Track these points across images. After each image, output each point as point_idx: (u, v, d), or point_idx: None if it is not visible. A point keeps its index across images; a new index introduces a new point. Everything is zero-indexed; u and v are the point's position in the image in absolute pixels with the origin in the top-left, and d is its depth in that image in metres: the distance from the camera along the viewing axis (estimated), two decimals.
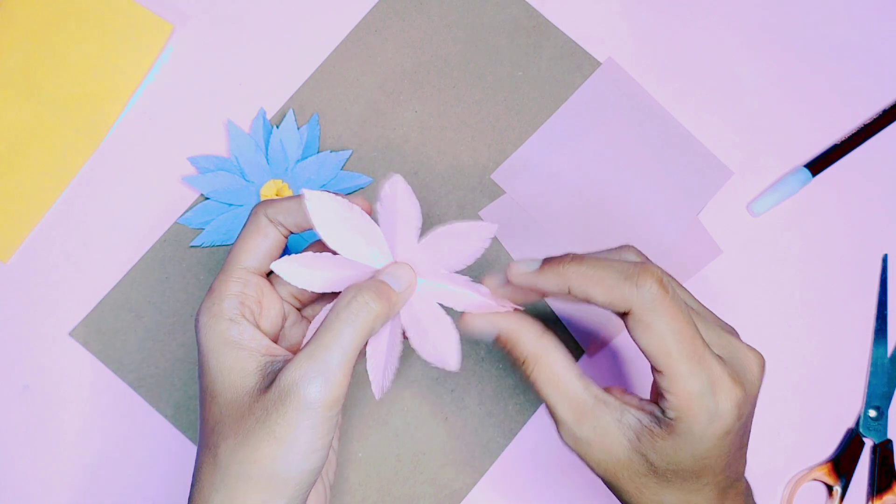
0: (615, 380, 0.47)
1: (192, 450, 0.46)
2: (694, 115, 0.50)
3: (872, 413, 0.47)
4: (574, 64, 0.50)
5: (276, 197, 0.47)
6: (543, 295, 0.35)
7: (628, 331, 0.33)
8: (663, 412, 0.33)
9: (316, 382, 0.32)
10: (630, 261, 0.34)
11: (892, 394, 0.47)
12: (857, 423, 0.47)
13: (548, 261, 0.34)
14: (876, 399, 0.47)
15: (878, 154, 0.50)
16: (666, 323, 0.32)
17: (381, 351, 0.36)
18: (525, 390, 0.47)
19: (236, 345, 0.34)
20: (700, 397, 0.32)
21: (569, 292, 0.33)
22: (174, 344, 0.47)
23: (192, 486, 0.34)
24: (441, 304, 0.36)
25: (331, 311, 0.33)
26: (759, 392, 0.34)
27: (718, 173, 0.49)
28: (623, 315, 0.33)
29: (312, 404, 0.32)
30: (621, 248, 0.36)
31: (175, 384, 0.46)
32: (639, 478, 0.34)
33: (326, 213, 0.34)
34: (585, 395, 0.34)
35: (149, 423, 0.46)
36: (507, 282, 0.35)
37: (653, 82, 0.50)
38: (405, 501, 0.45)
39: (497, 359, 0.47)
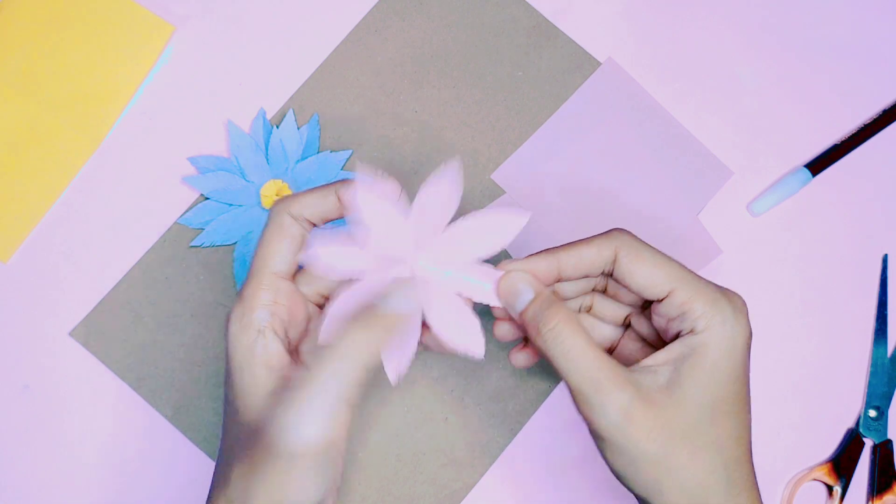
0: None
1: (192, 450, 0.46)
2: (694, 115, 0.50)
3: (872, 413, 0.47)
4: (574, 64, 0.50)
5: (276, 197, 0.47)
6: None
7: (624, 277, 0.34)
8: (691, 332, 0.33)
9: (298, 432, 0.31)
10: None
11: (892, 394, 0.47)
12: (857, 423, 0.47)
13: (535, 255, 0.36)
14: (876, 399, 0.47)
15: (878, 154, 0.50)
16: (653, 254, 0.34)
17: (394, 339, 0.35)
18: (525, 390, 0.47)
19: (259, 363, 0.34)
20: (715, 303, 0.33)
21: (559, 272, 0.35)
22: (174, 344, 0.47)
23: (209, 495, 0.34)
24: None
25: (320, 350, 0.32)
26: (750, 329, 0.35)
27: (718, 173, 0.49)
28: (611, 275, 0.35)
29: (297, 454, 0.31)
30: (611, 231, 0.36)
31: (175, 384, 0.46)
32: (678, 441, 0.33)
33: (371, 204, 0.35)
34: (616, 363, 0.34)
35: (149, 423, 0.46)
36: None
37: (653, 82, 0.50)
38: (405, 501, 0.45)
39: (497, 359, 0.47)
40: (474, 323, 0.36)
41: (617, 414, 0.32)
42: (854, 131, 0.49)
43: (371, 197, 0.35)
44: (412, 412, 0.46)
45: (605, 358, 0.33)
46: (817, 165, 0.49)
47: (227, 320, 0.35)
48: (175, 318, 0.47)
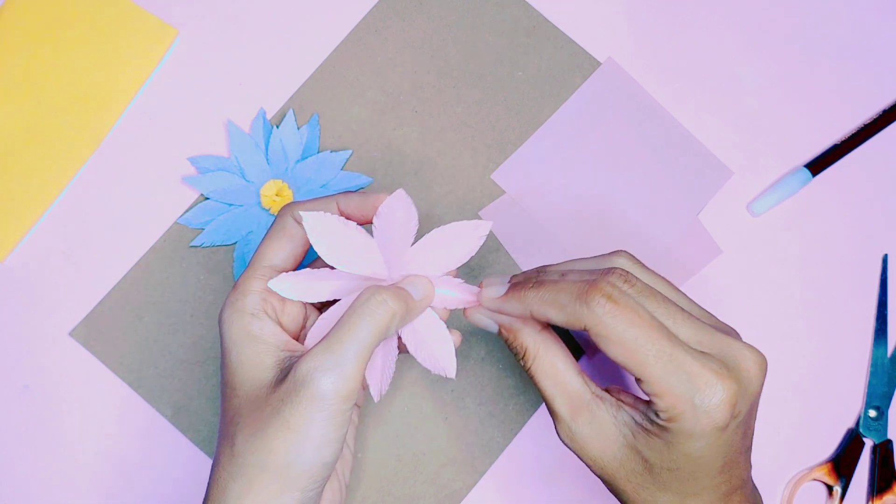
0: (615, 380, 0.47)
1: (192, 450, 0.46)
2: (694, 115, 0.50)
3: (872, 413, 0.47)
4: (574, 64, 0.50)
5: (276, 197, 0.47)
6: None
7: (599, 348, 0.33)
8: (656, 414, 0.33)
9: (330, 375, 0.32)
10: (587, 278, 0.34)
11: (892, 394, 0.47)
12: (857, 423, 0.47)
13: (513, 286, 0.36)
14: (876, 399, 0.47)
15: (878, 154, 0.50)
16: (624, 331, 0.32)
17: (376, 356, 0.36)
18: (525, 391, 0.47)
19: (257, 339, 0.35)
20: (683, 395, 0.32)
21: (531, 315, 0.34)
22: (174, 344, 0.47)
23: (211, 475, 0.35)
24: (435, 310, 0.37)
25: (349, 307, 0.34)
26: (758, 391, 0.33)
27: (718, 173, 0.49)
28: (590, 335, 0.33)
29: (326, 396, 0.32)
30: (612, 253, 0.36)
31: (175, 384, 0.46)
32: (635, 477, 0.34)
33: (323, 231, 0.35)
34: (582, 390, 0.35)
35: (149, 423, 0.46)
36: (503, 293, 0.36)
37: (653, 82, 0.50)
38: (405, 501, 0.45)
39: (497, 359, 0.47)
40: (448, 343, 0.36)
41: (568, 439, 0.35)
42: (854, 131, 0.49)
43: (333, 224, 0.35)
44: (412, 412, 0.46)
45: (568, 385, 0.35)
46: (817, 165, 0.49)
47: (221, 308, 0.36)
48: (175, 318, 0.47)
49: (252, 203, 0.48)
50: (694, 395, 0.32)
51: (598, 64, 0.50)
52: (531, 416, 0.46)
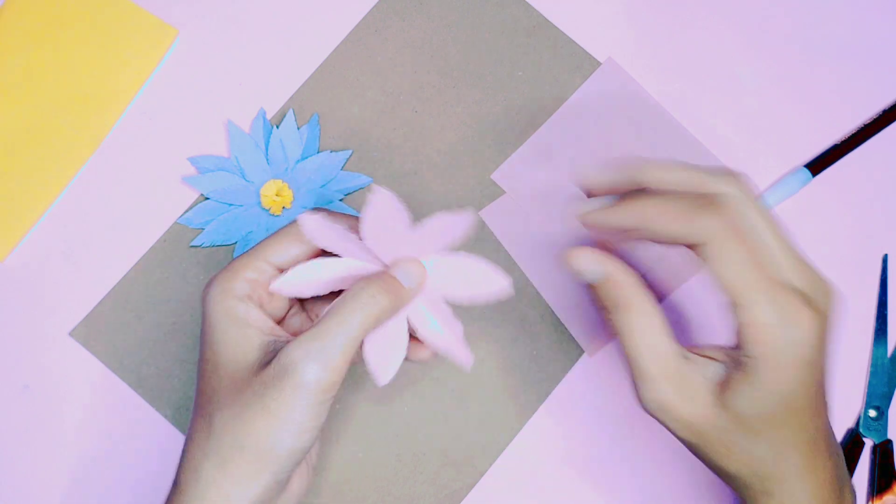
0: (616, 378, 0.47)
1: None
2: (694, 115, 0.50)
3: (872, 413, 0.47)
4: (574, 64, 0.50)
5: (276, 197, 0.47)
6: (612, 236, 0.35)
7: (704, 264, 0.33)
8: (744, 351, 0.32)
9: (315, 364, 0.32)
10: (708, 188, 0.33)
11: (892, 394, 0.47)
12: (857, 423, 0.47)
13: (625, 196, 0.35)
14: (876, 399, 0.47)
15: (878, 154, 0.50)
16: (735, 255, 0.32)
17: (378, 341, 0.36)
18: (525, 390, 0.47)
19: (242, 322, 0.35)
20: (775, 325, 0.32)
21: (642, 230, 0.33)
22: (174, 344, 0.47)
23: (183, 452, 0.35)
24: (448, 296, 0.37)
25: (338, 299, 0.34)
26: (833, 322, 0.34)
27: None
28: (694, 247, 0.33)
29: (309, 384, 0.32)
30: (728, 173, 0.35)
31: (175, 384, 0.46)
32: (727, 434, 0.34)
33: (320, 230, 0.36)
34: (676, 353, 0.34)
35: (149, 423, 0.46)
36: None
37: (653, 82, 0.50)
38: (405, 501, 0.45)
39: (497, 359, 0.47)
40: (458, 328, 0.37)
41: (654, 403, 0.34)
42: (854, 131, 0.49)
43: (328, 224, 0.36)
44: (412, 412, 0.46)
45: (660, 346, 0.34)
46: (817, 165, 0.49)
47: (208, 284, 0.36)
48: (175, 318, 0.47)
49: (252, 203, 0.48)
50: (786, 326, 0.32)
51: (598, 64, 0.50)
52: (531, 416, 0.46)
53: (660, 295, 0.47)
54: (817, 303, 0.33)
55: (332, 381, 0.33)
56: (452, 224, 0.36)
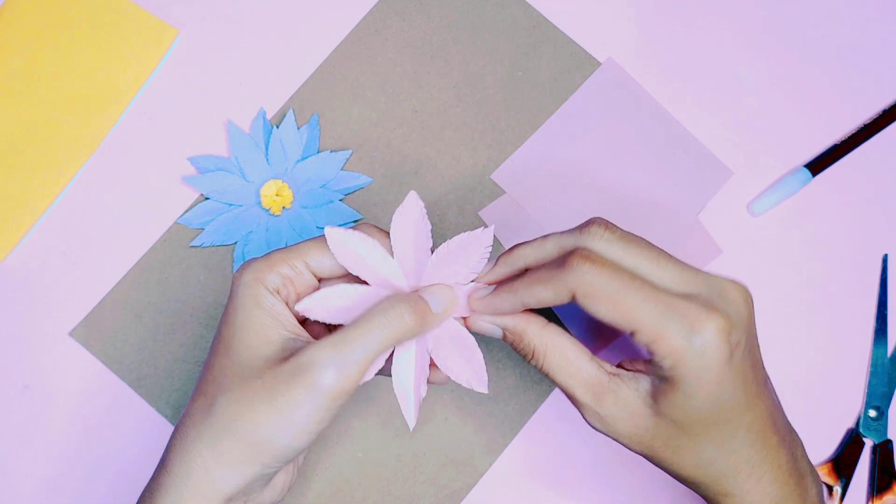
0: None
1: None
2: (694, 115, 0.50)
3: (872, 413, 0.47)
4: (574, 64, 0.50)
5: (276, 197, 0.47)
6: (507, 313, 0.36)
7: (590, 313, 0.33)
8: (661, 367, 0.33)
9: (332, 370, 0.32)
10: (572, 235, 0.34)
11: (892, 394, 0.47)
12: (857, 423, 0.47)
13: (499, 284, 0.36)
14: (876, 399, 0.47)
15: (878, 154, 0.50)
16: (607, 286, 0.32)
17: (409, 377, 0.36)
18: (525, 390, 0.47)
19: (268, 312, 0.35)
20: (677, 335, 0.32)
21: (522, 305, 0.35)
22: (174, 344, 0.47)
23: (175, 431, 0.35)
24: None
25: (366, 311, 0.34)
26: (749, 319, 0.34)
27: (718, 173, 0.49)
28: (576, 302, 0.33)
29: (321, 389, 0.32)
30: (587, 222, 0.36)
31: (175, 384, 0.46)
32: (672, 441, 0.34)
33: (346, 247, 0.36)
34: (599, 373, 0.35)
35: (149, 423, 0.46)
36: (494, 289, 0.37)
37: (653, 82, 0.50)
38: (405, 501, 0.45)
39: (497, 359, 0.47)
40: (479, 358, 0.36)
41: (598, 423, 0.35)
42: (854, 131, 0.49)
43: (355, 239, 0.36)
44: None
45: (584, 373, 0.35)
46: (817, 165, 0.49)
47: (242, 267, 0.36)
48: (175, 318, 0.47)
49: (252, 203, 0.48)
50: (688, 332, 0.32)
51: (598, 64, 0.50)
52: (531, 416, 0.46)
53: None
54: (715, 303, 0.33)
55: (345, 390, 0.33)
56: (472, 248, 0.36)
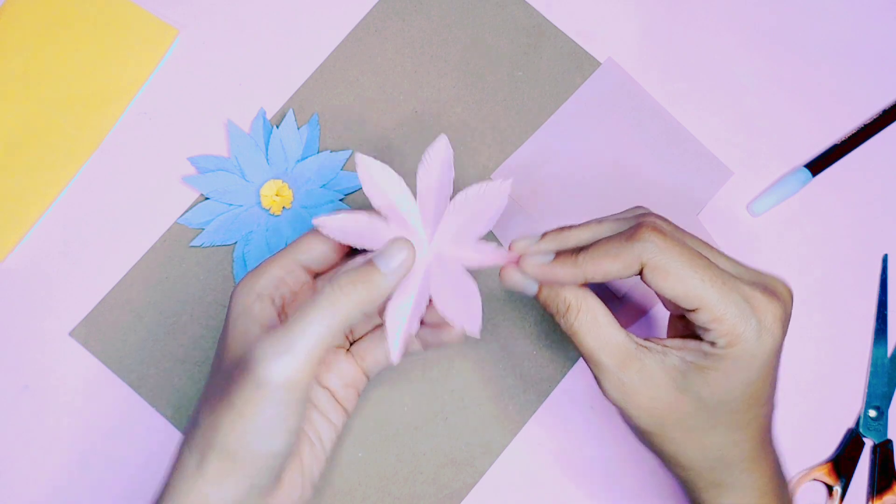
0: None
1: None
2: (694, 115, 0.50)
3: (872, 413, 0.47)
4: (574, 64, 0.50)
5: (276, 197, 0.47)
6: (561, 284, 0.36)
7: (652, 288, 0.33)
8: (712, 344, 0.33)
9: (275, 362, 0.32)
10: (629, 222, 0.35)
11: (892, 394, 0.47)
12: (857, 423, 0.47)
13: (559, 254, 0.35)
14: (876, 399, 0.47)
15: (878, 154, 0.50)
16: (679, 262, 0.32)
17: (402, 312, 0.35)
18: (525, 390, 0.47)
19: (252, 318, 0.35)
20: (742, 318, 0.32)
21: (584, 279, 0.34)
22: (174, 344, 0.47)
23: (179, 445, 0.35)
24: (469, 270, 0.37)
25: (310, 298, 0.33)
26: (791, 310, 0.34)
27: (718, 173, 0.49)
28: (642, 275, 0.33)
29: (270, 383, 0.31)
30: (632, 209, 0.36)
31: (175, 384, 0.46)
32: (687, 419, 0.34)
33: (374, 176, 0.36)
34: (627, 341, 0.35)
35: (149, 423, 0.46)
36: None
37: (653, 82, 0.50)
38: (405, 501, 0.45)
39: (497, 359, 0.47)
40: (476, 302, 0.35)
41: (617, 391, 0.35)
42: (854, 131, 0.49)
43: (379, 176, 0.36)
44: (412, 412, 0.46)
45: (612, 338, 0.34)
46: (817, 165, 0.49)
47: (238, 282, 0.37)
48: (175, 318, 0.47)
49: (252, 203, 0.48)
50: (751, 317, 0.32)
51: (598, 64, 0.50)
52: (531, 416, 0.46)
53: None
54: (777, 293, 0.34)
55: (297, 380, 0.32)
56: (492, 195, 0.36)
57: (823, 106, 0.50)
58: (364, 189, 0.36)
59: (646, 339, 0.35)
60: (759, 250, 0.49)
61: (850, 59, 0.51)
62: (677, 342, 0.35)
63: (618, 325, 0.35)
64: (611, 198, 0.49)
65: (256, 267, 0.37)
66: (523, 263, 0.36)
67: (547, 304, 0.36)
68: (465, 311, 0.35)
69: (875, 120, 0.50)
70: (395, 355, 0.35)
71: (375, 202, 0.36)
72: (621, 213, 0.37)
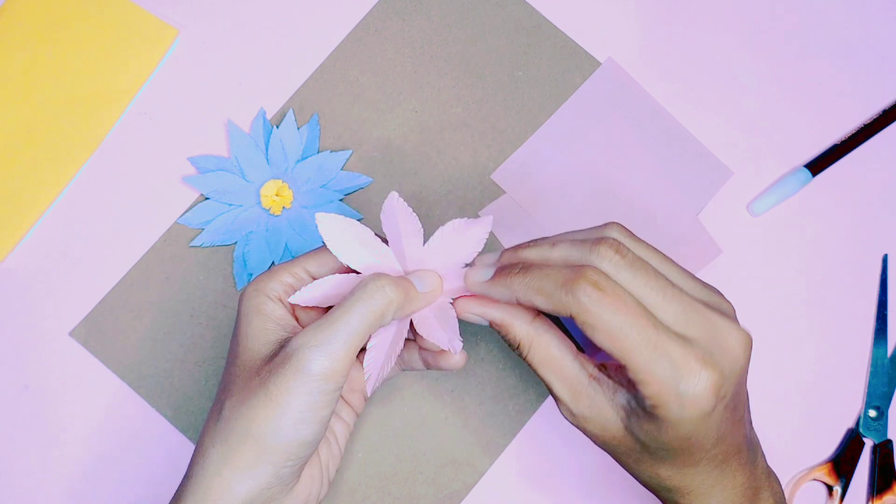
0: None
1: (191, 449, 0.46)
2: (694, 115, 0.50)
3: (872, 413, 0.47)
4: (574, 64, 0.50)
5: (276, 197, 0.47)
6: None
7: (583, 333, 0.33)
8: (643, 403, 0.33)
9: (316, 352, 0.33)
10: (576, 254, 0.34)
11: (892, 394, 0.47)
12: (857, 423, 0.47)
13: (499, 270, 0.36)
14: (876, 399, 0.47)
15: (878, 154, 0.50)
16: (610, 320, 0.32)
17: (383, 348, 0.36)
18: (525, 390, 0.47)
19: (267, 317, 0.36)
20: (667, 382, 0.32)
21: (517, 301, 0.35)
22: (174, 344, 0.47)
23: (197, 443, 0.36)
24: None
25: (349, 292, 0.35)
26: (743, 371, 0.33)
27: (718, 173, 0.49)
28: (575, 322, 0.33)
29: (310, 372, 0.33)
30: (605, 225, 0.35)
31: (175, 384, 0.46)
32: (634, 453, 0.35)
33: (337, 233, 0.36)
34: (580, 373, 0.35)
35: (149, 423, 0.46)
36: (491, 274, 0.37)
37: (653, 82, 0.50)
38: (405, 501, 0.45)
39: (497, 359, 0.47)
40: (454, 324, 0.37)
41: (571, 418, 0.36)
42: (854, 131, 0.49)
43: (346, 226, 0.36)
44: (412, 412, 0.46)
45: (565, 370, 0.35)
46: (817, 165, 0.49)
47: (246, 285, 0.38)
48: (175, 318, 0.47)
49: (252, 203, 0.48)
50: (678, 382, 0.32)
51: (598, 64, 0.50)
52: (531, 416, 0.46)
53: None
54: (713, 354, 0.32)
55: (334, 370, 0.33)
56: (470, 232, 0.37)
57: (823, 106, 0.50)
58: (330, 247, 0.36)
59: (601, 369, 0.35)
60: (759, 250, 0.49)
61: (850, 59, 0.51)
62: (627, 381, 0.35)
63: (573, 356, 0.35)
64: (610, 198, 0.49)
65: (266, 271, 0.38)
66: (466, 279, 0.36)
67: (501, 336, 0.37)
68: (443, 334, 0.36)
69: (875, 120, 0.49)
70: (370, 392, 0.37)
71: (345, 258, 0.36)
72: (582, 231, 0.36)
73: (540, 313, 0.36)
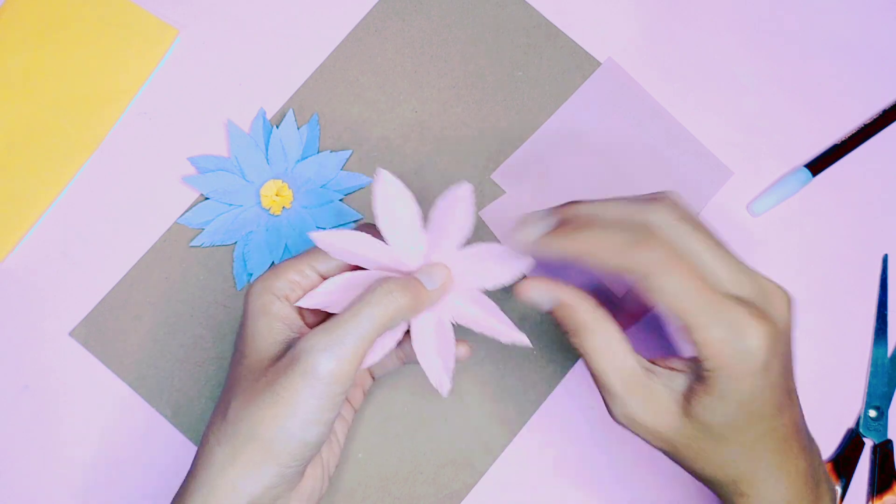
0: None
1: (191, 450, 0.46)
2: (694, 115, 0.50)
3: (872, 413, 0.47)
4: (574, 64, 0.50)
5: (276, 197, 0.47)
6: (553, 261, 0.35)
7: (642, 296, 0.33)
8: (701, 366, 0.33)
9: (325, 354, 0.33)
10: (640, 219, 0.34)
11: (892, 394, 0.47)
12: (857, 423, 0.47)
13: (561, 224, 0.35)
14: (876, 399, 0.47)
15: (878, 154, 0.50)
16: (676, 282, 0.32)
17: (431, 350, 0.37)
18: (525, 391, 0.47)
19: (273, 316, 0.36)
20: (726, 340, 0.32)
21: (576, 258, 0.34)
22: (174, 344, 0.47)
23: (202, 440, 0.36)
24: (454, 324, 0.38)
25: (358, 295, 0.35)
26: (790, 328, 0.34)
27: (718, 173, 0.49)
28: (635, 279, 0.33)
29: (317, 374, 0.33)
30: (659, 195, 0.35)
31: (175, 384, 0.46)
32: (696, 442, 0.35)
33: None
34: (636, 365, 0.35)
35: (149, 423, 0.46)
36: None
37: (653, 82, 0.50)
38: (405, 501, 0.45)
39: (497, 359, 0.47)
40: (450, 359, 0.37)
41: (624, 416, 0.35)
42: (854, 131, 0.49)
43: (392, 197, 0.36)
44: (412, 412, 0.46)
45: (623, 362, 0.35)
46: (817, 165, 0.49)
47: (252, 283, 0.38)
48: (175, 318, 0.47)
49: (252, 203, 0.48)
50: (736, 340, 0.32)
51: (598, 64, 0.50)
52: (531, 416, 0.46)
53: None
54: (765, 311, 0.33)
55: (342, 372, 0.33)
56: (455, 203, 0.37)
57: (823, 106, 0.50)
58: (375, 206, 0.36)
59: (653, 362, 0.36)
60: (759, 250, 0.49)
61: (850, 59, 0.51)
62: (682, 363, 0.35)
63: (630, 349, 0.35)
64: None
65: (271, 269, 0.37)
66: (517, 233, 0.36)
67: (561, 321, 0.36)
68: (437, 367, 0.37)
69: (875, 120, 0.50)
70: (444, 391, 0.37)
71: (353, 263, 0.36)
72: (639, 197, 0.36)
73: (601, 305, 0.36)
